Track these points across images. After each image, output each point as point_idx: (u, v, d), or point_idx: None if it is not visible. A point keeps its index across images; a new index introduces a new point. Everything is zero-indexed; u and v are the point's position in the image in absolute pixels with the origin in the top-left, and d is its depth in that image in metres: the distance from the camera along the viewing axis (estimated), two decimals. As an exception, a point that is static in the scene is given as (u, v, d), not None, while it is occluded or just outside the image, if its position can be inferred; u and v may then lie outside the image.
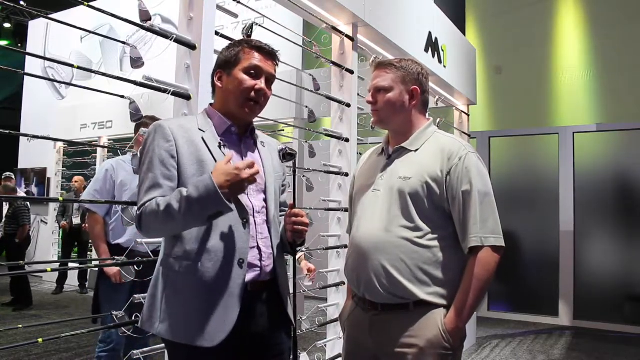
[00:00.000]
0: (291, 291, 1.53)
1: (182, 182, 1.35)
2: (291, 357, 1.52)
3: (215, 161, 1.37)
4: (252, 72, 1.44)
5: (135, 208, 2.56)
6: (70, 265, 6.75)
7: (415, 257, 1.47)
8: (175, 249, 1.38)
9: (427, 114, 1.67)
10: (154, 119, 2.75)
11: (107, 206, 2.80)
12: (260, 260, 1.43)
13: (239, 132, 1.49)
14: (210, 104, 1.53)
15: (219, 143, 1.42)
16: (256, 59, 1.44)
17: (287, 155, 1.49)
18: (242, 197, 1.40)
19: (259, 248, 1.43)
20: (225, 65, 1.46)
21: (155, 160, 1.35)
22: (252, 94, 1.43)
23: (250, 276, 1.40)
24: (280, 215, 1.57)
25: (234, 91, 1.43)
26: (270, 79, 1.48)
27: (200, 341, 1.31)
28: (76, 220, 6.92)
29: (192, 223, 1.32)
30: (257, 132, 1.58)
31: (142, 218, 1.33)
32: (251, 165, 1.28)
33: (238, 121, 1.48)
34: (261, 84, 1.44)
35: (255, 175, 1.29)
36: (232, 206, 1.29)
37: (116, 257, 1.89)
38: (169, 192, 1.33)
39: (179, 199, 1.26)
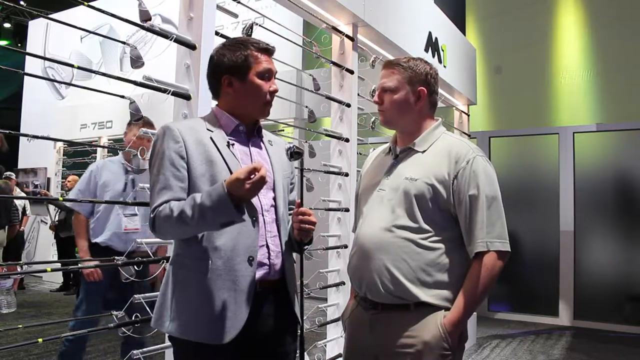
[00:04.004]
0: (299, 290, 1.54)
1: (192, 182, 1.37)
2: (297, 354, 1.52)
3: (224, 160, 1.39)
4: (266, 75, 1.46)
5: (118, 209, 2.58)
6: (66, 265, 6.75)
7: (418, 259, 1.47)
8: (185, 248, 1.40)
9: (434, 115, 1.66)
10: (147, 122, 2.80)
11: (90, 206, 2.88)
12: (269, 258, 1.44)
13: (246, 131, 1.51)
14: (217, 105, 1.54)
15: (228, 142, 1.44)
16: (266, 61, 1.47)
17: (294, 153, 1.49)
18: None
19: (267, 246, 1.44)
20: (234, 70, 1.45)
21: (165, 161, 1.36)
22: (268, 96, 1.48)
23: (259, 274, 1.41)
24: (289, 214, 1.58)
25: (252, 97, 1.46)
26: (275, 76, 1.52)
27: (213, 338, 1.32)
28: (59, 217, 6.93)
29: (205, 229, 1.34)
30: (264, 131, 1.60)
31: (155, 221, 1.35)
32: (253, 171, 1.24)
33: (246, 120, 1.50)
34: (274, 84, 1.49)
35: (265, 176, 1.27)
36: (245, 217, 1.31)
37: (116, 258, 1.89)
38: (180, 192, 1.35)
39: (192, 206, 1.28)
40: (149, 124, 2.88)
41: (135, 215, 2.82)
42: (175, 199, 1.34)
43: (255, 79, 1.45)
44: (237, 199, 1.25)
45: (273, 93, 1.48)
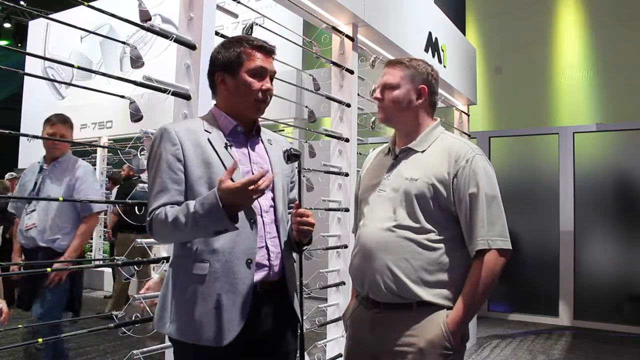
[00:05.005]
0: (299, 290, 1.53)
1: (189, 185, 1.36)
2: (298, 353, 1.52)
3: (222, 162, 1.38)
4: (258, 73, 1.44)
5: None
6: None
7: (420, 258, 1.47)
8: (184, 250, 1.40)
9: (433, 115, 1.67)
10: (66, 120, 2.96)
11: (21, 206, 2.97)
12: (269, 259, 1.43)
13: (245, 132, 1.50)
14: (215, 105, 1.53)
15: (225, 143, 1.42)
16: (259, 59, 1.44)
17: (291, 156, 1.48)
18: None
19: (267, 247, 1.43)
20: (227, 67, 1.44)
21: (162, 164, 1.35)
22: (260, 95, 1.44)
23: (259, 276, 1.40)
24: (289, 213, 1.57)
25: (242, 94, 1.44)
26: (272, 76, 1.49)
27: (210, 341, 1.32)
28: None
29: (199, 235, 1.34)
30: (264, 129, 1.58)
31: (152, 225, 1.35)
32: (258, 179, 1.23)
33: (244, 120, 1.48)
34: (267, 83, 1.45)
35: (266, 188, 1.27)
36: (243, 219, 1.30)
37: (116, 257, 1.89)
38: (177, 195, 1.34)
39: (185, 214, 1.27)
40: (64, 121, 2.91)
41: (34, 211, 2.84)
42: (172, 202, 1.34)
43: (245, 76, 1.43)
44: (231, 208, 1.24)
45: (265, 92, 1.45)
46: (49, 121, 2.93)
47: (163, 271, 2.28)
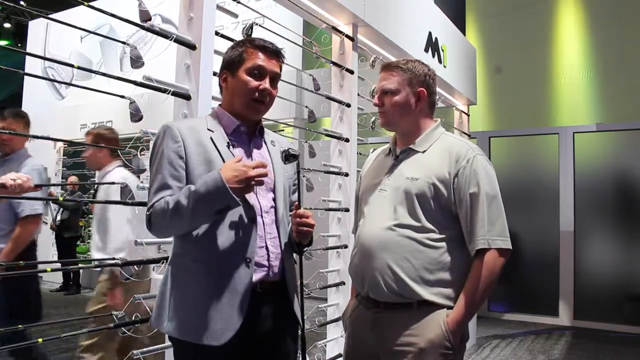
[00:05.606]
0: (299, 290, 1.53)
1: (190, 182, 1.37)
2: (299, 354, 1.52)
3: (224, 161, 1.38)
4: (256, 72, 1.43)
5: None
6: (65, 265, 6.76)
7: (421, 257, 1.47)
8: (183, 248, 1.40)
9: (433, 115, 1.67)
10: (19, 114, 2.76)
11: None
12: (268, 260, 1.43)
13: (248, 132, 1.50)
14: (220, 104, 1.53)
15: (228, 142, 1.43)
16: (260, 58, 1.44)
17: (289, 156, 1.48)
18: (250, 197, 1.41)
19: (267, 248, 1.43)
20: (229, 66, 1.46)
21: (163, 161, 1.36)
22: (257, 94, 1.43)
23: (258, 276, 1.40)
24: (290, 215, 1.57)
25: (238, 92, 1.44)
26: (274, 78, 1.48)
27: (208, 340, 1.32)
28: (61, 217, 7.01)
29: (200, 219, 1.33)
30: (267, 130, 1.58)
31: (151, 218, 1.35)
32: (260, 166, 1.31)
33: (246, 121, 1.49)
34: (265, 84, 1.44)
35: (264, 176, 1.32)
36: (240, 200, 1.30)
37: (116, 257, 1.89)
38: (177, 192, 1.35)
39: (187, 195, 1.29)
40: (17, 116, 2.77)
41: None
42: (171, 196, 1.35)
43: (243, 75, 1.43)
44: (235, 189, 1.27)
45: (263, 92, 1.44)
46: (1, 116, 2.73)
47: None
